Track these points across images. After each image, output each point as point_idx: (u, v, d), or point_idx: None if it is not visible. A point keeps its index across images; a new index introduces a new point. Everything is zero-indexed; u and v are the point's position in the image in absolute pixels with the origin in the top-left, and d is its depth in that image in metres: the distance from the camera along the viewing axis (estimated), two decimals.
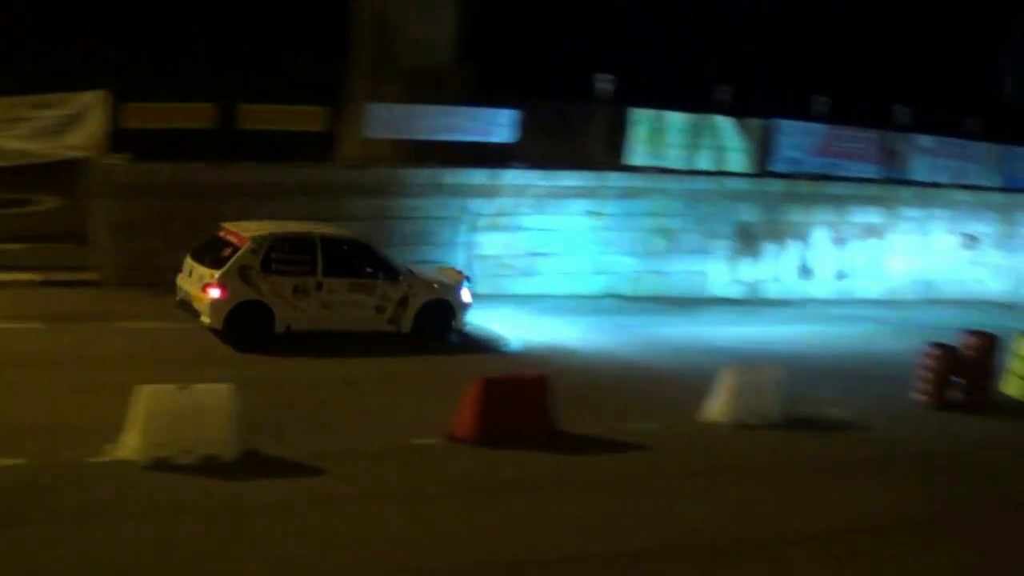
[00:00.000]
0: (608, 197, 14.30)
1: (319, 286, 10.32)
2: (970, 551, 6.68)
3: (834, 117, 16.19)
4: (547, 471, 7.53)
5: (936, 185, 17.24)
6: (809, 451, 8.77)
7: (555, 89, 14.16)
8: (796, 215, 15.93)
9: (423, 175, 13.09)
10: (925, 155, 17.15)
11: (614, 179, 14.41)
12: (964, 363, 10.80)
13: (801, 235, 15.98)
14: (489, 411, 7.95)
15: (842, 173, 16.29)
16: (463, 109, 13.55)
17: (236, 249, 10.12)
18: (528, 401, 8.26)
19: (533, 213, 13.83)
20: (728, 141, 15.52)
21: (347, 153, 13.09)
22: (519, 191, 13.60)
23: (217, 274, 9.98)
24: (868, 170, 16.63)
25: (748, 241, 15.52)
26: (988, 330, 11.30)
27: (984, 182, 17.92)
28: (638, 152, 14.90)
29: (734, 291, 15.38)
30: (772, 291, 15.74)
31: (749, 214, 15.52)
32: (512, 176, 13.55)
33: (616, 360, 11.02)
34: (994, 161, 17.97)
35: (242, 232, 10.29)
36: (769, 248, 15.72)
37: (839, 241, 16.30)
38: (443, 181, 13.23)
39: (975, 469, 8.74)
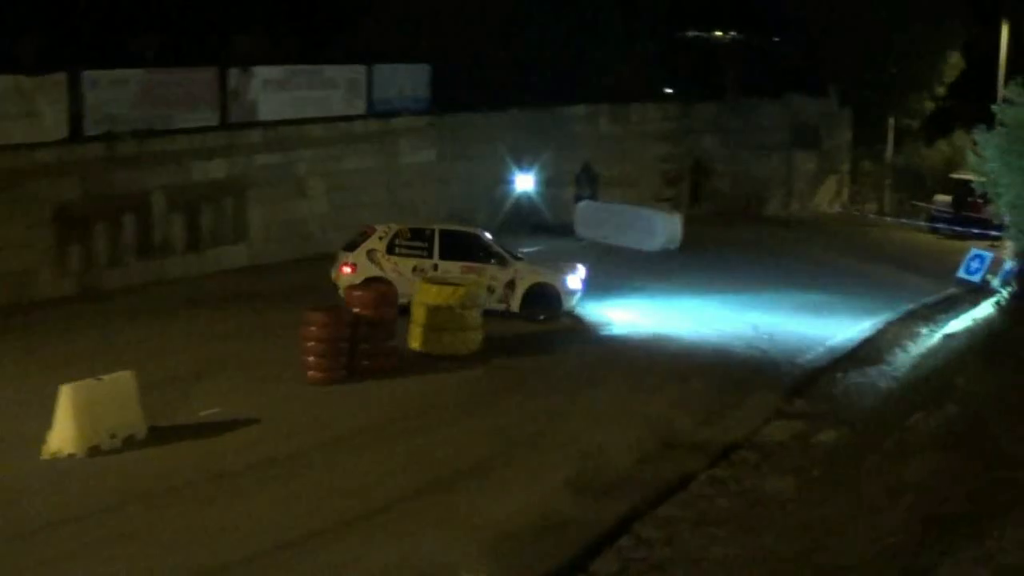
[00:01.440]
0: None
1: (435, 267, 22.73)
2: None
3: (161, 59, 25.98)
4: None
5: (292, 122, 28.53)
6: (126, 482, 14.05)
7: None
8: (126, 183, 25.00)
9: None
10: (274, 89, 28.33)
11: None
12: (356, 324, 18.51)
13: (137, 206, 25.22)
14: None
15: (177, 124, 26.06)
16: None
17: (368, 238, 23.10)
18: None
19: None
20: (34, 104, 23.46)
21: None
22: None
23: (350, 256, 22.98)
24: (208, 116, 27.13)
25: (69, 224, 23.85)
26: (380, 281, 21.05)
27: (350, 111, 30.11)
28: None
29: (65, 288, 23.75)
30: (115, 279, 24.67)
31: (68, 190, 23.96)
32: None
33: None
34: (359, 86, 30.06)
35: (376, 226, 23.48)
36: (100, 228, 24.45)
37: (184, 204, 26.05)
38: None
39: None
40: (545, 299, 23.23)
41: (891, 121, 48.16)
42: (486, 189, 33.46)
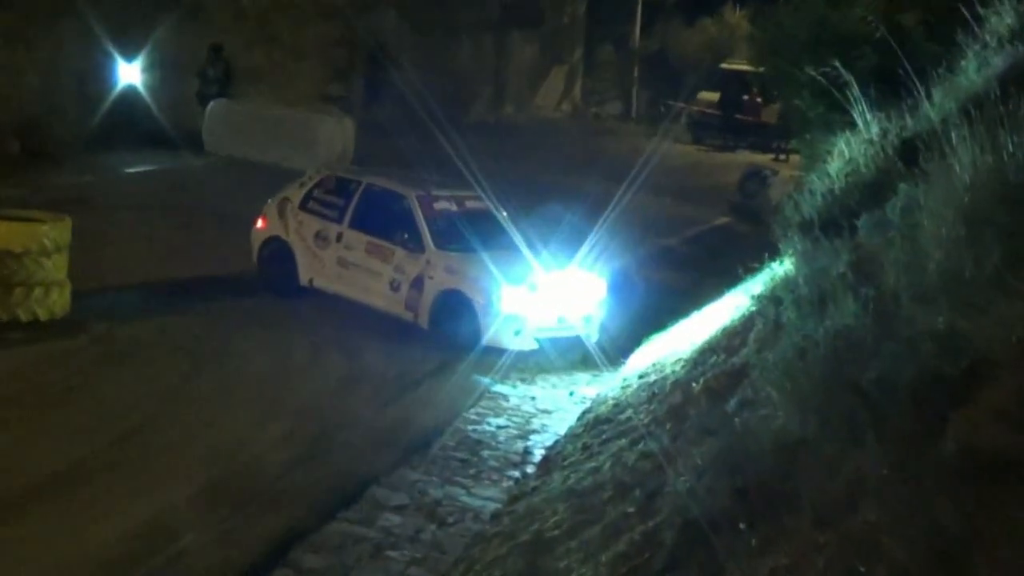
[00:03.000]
0: None
1: (339, 237, 21.97)
2: None
3: None
4: None
5: None
6: None
7: None
8: None
9: None
10: None
11: None
12: None
13: None
14: None
15: None
16: None
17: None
18: None
19: None
20: None
21: None
22: None
23: (267, 207, 23.18)
24: None
25: None
26: None
27: None
28: None
29: None
30: None
31: None
32: None
33: None
34: None
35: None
36: None
37: None
38: None
39: None
40: (454, 316, 20.79)
41: None
42: (73, 83, 32.66)
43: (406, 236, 21.40)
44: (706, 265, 26.11)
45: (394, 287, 21.36)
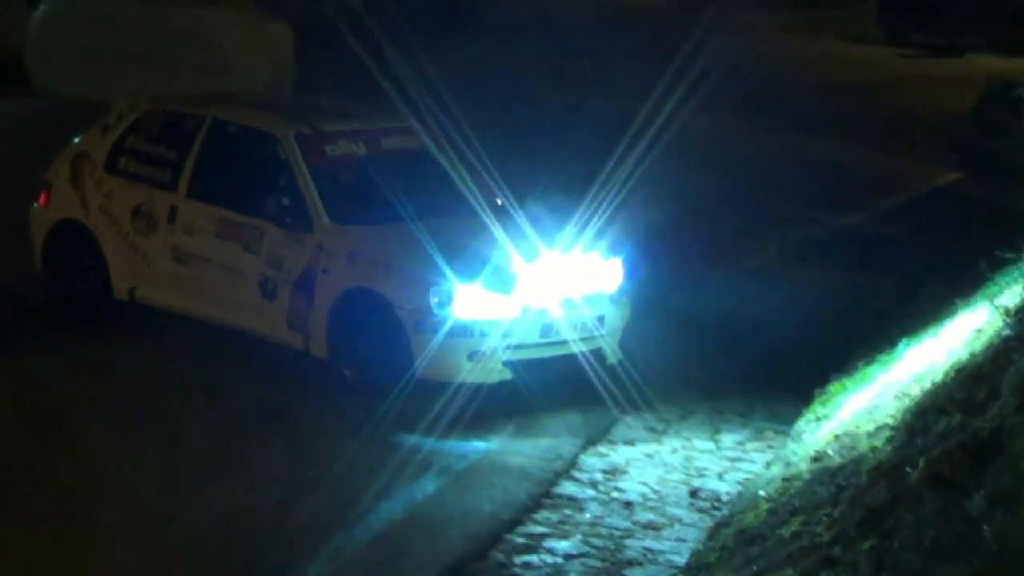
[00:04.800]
0: None
1: (173, 214, 22.34)
2: None
3: None
4: None
5: None
6: None
7: None
8: None
9: None
10: None
11: None
12: None
13: None
14: None
15: None
16: None
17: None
18: None
19: None
20: None
21: None
22: None
23: (55, 167, 23.84)
24: None
25: None
26: None
27: None
28: None
29: None
30: None
31: None
32: None
33: None
34: None
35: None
36: None
37: None
38: None
39: None
40: (370, 338, 20.91)
41: None
42: None
43: (283, 204, 21.62)
44: (919, 259, 26.33)
45: (268, 292, 21.63)
